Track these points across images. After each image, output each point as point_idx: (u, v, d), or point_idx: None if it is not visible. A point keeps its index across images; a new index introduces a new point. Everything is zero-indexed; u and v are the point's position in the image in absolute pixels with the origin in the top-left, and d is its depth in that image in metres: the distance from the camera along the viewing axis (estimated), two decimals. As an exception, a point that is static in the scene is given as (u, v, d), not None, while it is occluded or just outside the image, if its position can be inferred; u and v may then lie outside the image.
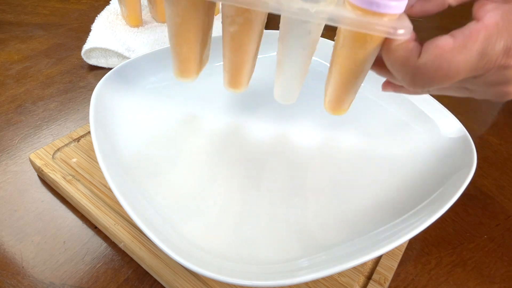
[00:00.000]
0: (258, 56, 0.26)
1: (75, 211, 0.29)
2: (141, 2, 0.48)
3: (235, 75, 0.25)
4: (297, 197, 0.28)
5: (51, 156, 0.31)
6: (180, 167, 0.29)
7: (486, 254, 0.29)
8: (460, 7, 0.21)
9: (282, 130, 0.34)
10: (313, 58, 0.39)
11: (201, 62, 0.25)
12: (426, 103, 0.35)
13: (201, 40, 0.23)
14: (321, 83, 0.41)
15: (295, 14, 0.20)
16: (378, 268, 0.26)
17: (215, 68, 0.40)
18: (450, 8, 0.21)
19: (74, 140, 0.33)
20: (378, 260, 0.26)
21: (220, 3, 0.21)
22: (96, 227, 0.28)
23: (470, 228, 0.31)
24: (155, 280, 0.25)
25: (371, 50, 0.21)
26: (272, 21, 0.65)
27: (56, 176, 0.30)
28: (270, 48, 0.42)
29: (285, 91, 0.26)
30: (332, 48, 0.23)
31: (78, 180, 0.30)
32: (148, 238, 0.25)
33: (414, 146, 0.33)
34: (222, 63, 0.41)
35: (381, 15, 0.19)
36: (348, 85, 0.23)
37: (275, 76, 0.25)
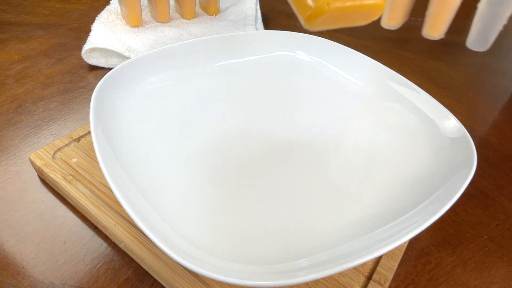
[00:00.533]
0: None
1: (75, 211, 0.29)
2: (141, 2, 0.48)
3: (437, 21, 0.28)
4: (297, 196, 0.28)
5: (51, 156, 0.31)
6: (181, 167, 0.29)
7: (486, 254, 0.29)
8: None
9: (282, 131, 0.34)
10: (314, 58, 0.39)
11: (406, 14, 0.29)
12: (426, 103, 0.35)
13: None
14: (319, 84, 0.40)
15: None
16: (378, 268, 0.26)
17: (216, 68, 0.40)
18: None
19: (74, 140, 0.33)
20: (378, 260, 0.26)
21: None
22: (96, 227, 0.28)
23: (470, 228, 0.31)
24: (155, 280, 0.25)
25: None
26: (268, 19, 0.64)
27: (56, 176, 0.30)
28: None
29: (482, 38, 0.28)
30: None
31: (78, 180, 0.30)
32: (148, 238, 0.25)
33: (414, 146, 0.33)
34: (222, 63, 0.41)
35: None
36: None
37: (473, 23, 0.27)
